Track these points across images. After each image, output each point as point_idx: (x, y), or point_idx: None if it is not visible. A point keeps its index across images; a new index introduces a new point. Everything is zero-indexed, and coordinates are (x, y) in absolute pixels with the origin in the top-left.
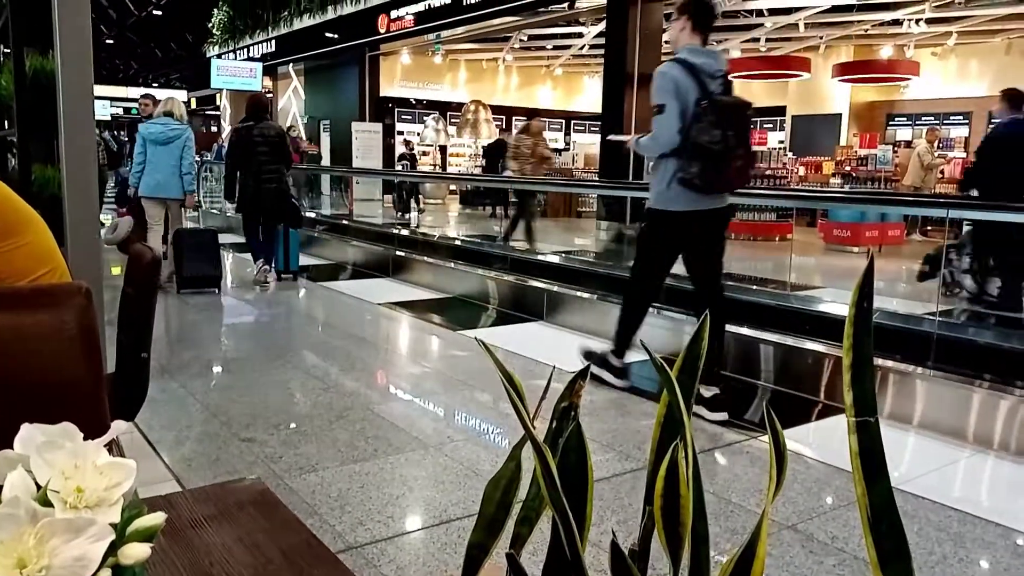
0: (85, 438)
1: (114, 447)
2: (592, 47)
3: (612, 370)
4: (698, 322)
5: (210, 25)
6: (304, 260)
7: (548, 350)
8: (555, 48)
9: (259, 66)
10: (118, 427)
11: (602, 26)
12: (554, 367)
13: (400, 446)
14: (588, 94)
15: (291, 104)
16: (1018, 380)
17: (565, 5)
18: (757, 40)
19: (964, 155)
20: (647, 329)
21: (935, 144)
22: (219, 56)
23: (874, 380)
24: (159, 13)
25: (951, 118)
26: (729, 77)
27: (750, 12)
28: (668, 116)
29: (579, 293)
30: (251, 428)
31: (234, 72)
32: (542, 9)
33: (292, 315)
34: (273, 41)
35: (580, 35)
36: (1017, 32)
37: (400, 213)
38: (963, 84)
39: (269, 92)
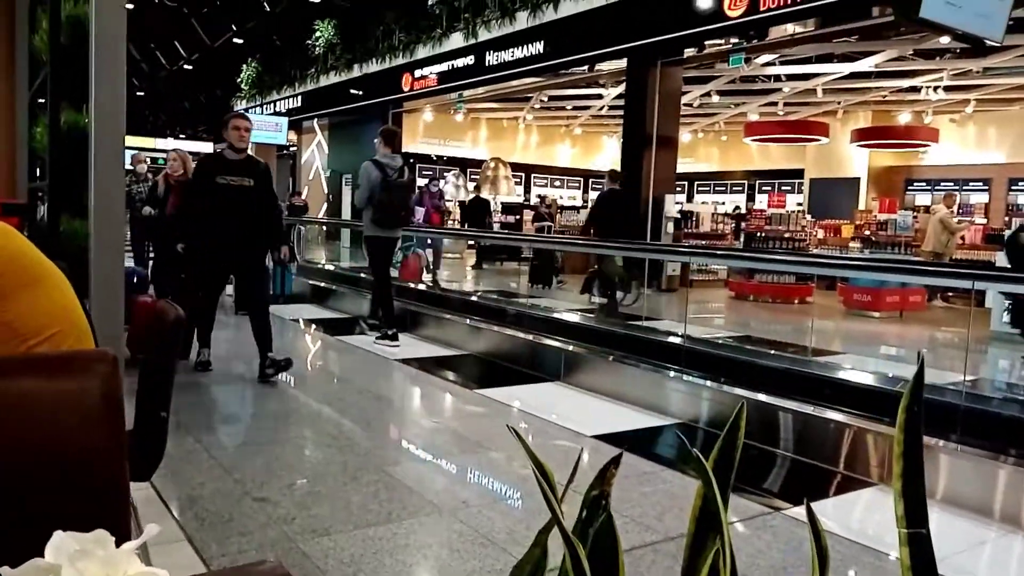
0: (107, 507)
1: (132, 511)
2: (611, 107)
3: (394, 338)
4: (734, 413)
5: (239, 80)
6: (324, 313)
7: (566, 412)
8: (575, 108)
9: (285, 120)
10: (150, 531)
11: (621, 88)
12: (582, 443)
13: (414, 510)
14: (607, 152)
15: (315, 158)
16: None
17: (586, 68)
18: (775, 104)
19: (985, 221)
20: (673, 395)
21: (953, 210)
22: (246, 110)
23: (924, 488)
24: (190, 67)
25: (970, 184)
26: (404, 169)
27: (768, 77)
28: (362, 189)
29: (599, 353)
30: (265, 487)
31: (260, 126)
32: (563, 71)
33: (309, 370)
34: (300, 96)
35: (600, 96)
36: None
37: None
38: (982, 151)
39: (293, 145)
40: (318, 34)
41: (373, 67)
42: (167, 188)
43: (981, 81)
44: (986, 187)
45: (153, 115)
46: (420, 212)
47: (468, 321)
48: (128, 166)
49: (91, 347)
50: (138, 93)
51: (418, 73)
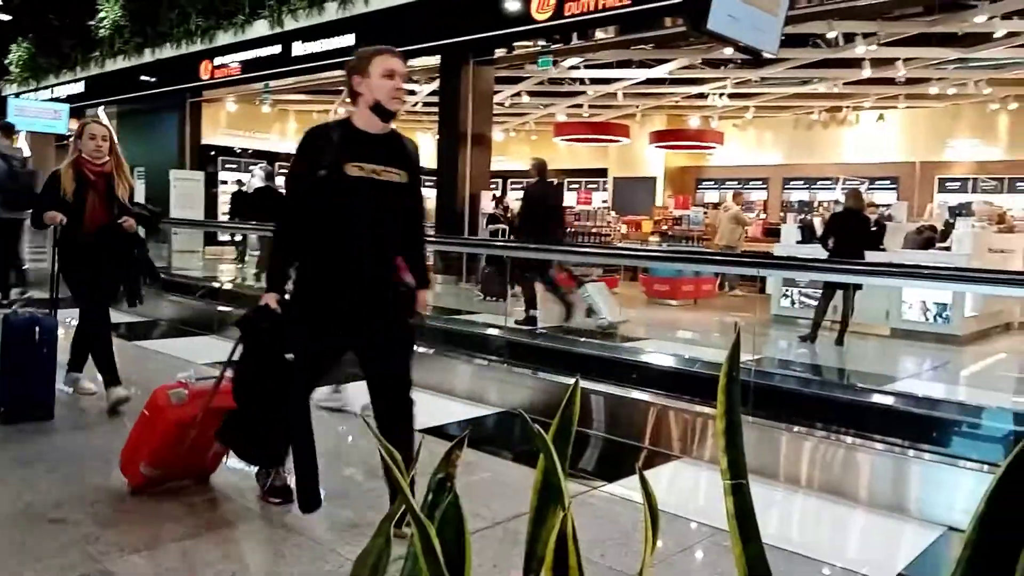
0: None
1: None
2: (425, 104)
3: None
4: (568, 391)
5: (7, 62)
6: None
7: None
8: None
9: (66, 107)
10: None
11: (435, 85)
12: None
13: (234, 518)
14: (422, 150)
15: None
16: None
17: None
18: (581, 106)
19: (764, 216)
20: (494, 385)
21: (741, 206)
22: (17, 95)
23: (743, 444)
24: None
25: (751, 183)
26: (27, 160)
27: (574, 80)
28: None
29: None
30: (62, 507)
31: (36, 113)
32: None
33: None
34: (82, 82)
35: (413, 92)
36: (803, 109)
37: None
38: (761, 153)
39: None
40: (103, 14)
41: (168, 52)
42: (80, 183)
43: (759, 90)
44: (765, 185)
45: None
46: None
47: None
48: None
49: None
50: None
51: (218, 61)
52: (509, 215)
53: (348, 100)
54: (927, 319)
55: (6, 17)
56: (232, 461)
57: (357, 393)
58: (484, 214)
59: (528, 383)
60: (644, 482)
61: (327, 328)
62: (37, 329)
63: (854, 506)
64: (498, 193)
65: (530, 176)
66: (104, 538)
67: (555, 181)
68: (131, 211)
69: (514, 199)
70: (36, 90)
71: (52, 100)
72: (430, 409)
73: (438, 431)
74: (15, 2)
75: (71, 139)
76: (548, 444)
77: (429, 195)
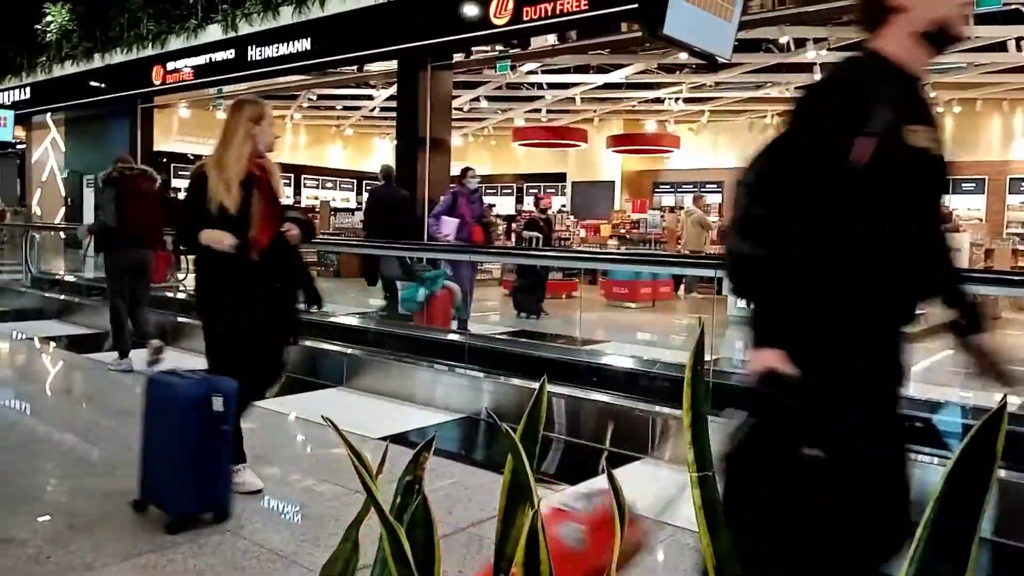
0: None
1: None
2: (383, 109)
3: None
4: (536, 391)
5: None
6: (66, 329)
7: (350, 416)
8: (345, 108)
9: (11, 114)
10: None
11: (392, 90)
12: (369, 446)
13: (192, 533)
14: (380, 154)
15: (48, 156)
16: None
17: (355, 68)
18: (539, 111)
19: (718, 219)
20: (456, 390)
21: (703, 209)
22: None
23: (708, 437)
24: None
25: (707, 186)
26: None
27: (532, 85)
28: None
29: (380, 357)
30: (8, 526)
31: None
32: (331, 70)
33: (52, 391)
34: (28, 88)
35: (371, 97)
36: (757, 113)
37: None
38: (716, 156)
39: (21, 143)
40: (50, 18)
41: (118, 57)
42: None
43: (714, 94)
44: (720, 189)
45: None
46: (448, 224)
47: None
48: None
49: None
50: None
51: (171, 66)
52: (548, 221)
53: (868, 24)
54: None
55: None
56: None
57: None
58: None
59: (487, 387)
60: (611, 478)
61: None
62: (217, 400)
63: None
64: (541, 195)
65: (378, 180)
66: (56, 558)
67: (404, 192)
68: (291, 216)
69: (559, 205)
70: None
71: None
72: (392, 416)
73: (399, 438)
74: None
75: (242, 133)
76: (516, 443)
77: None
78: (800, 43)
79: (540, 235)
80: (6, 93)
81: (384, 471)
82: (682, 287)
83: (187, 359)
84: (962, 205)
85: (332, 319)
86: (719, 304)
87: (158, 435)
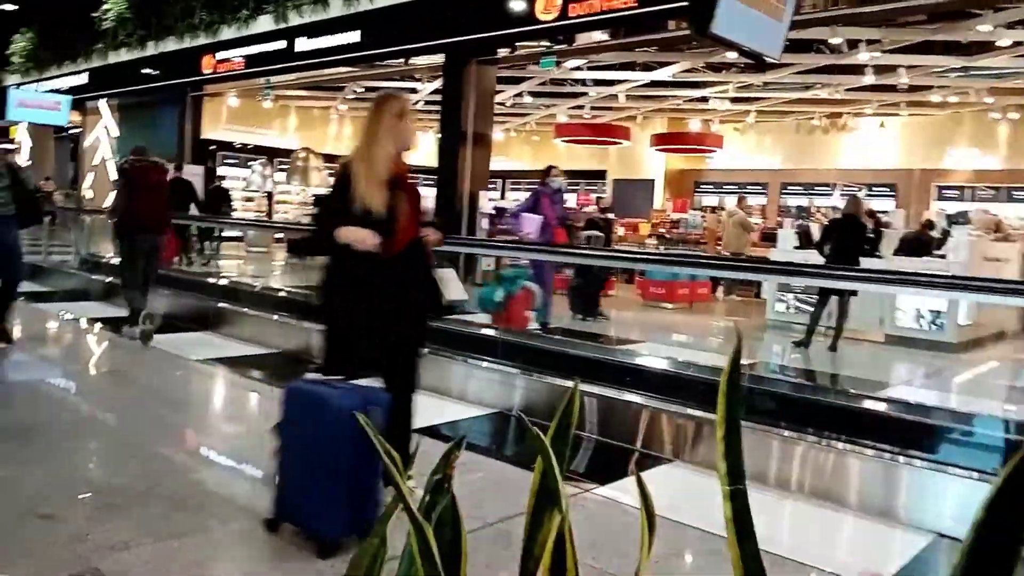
0: None
1: None
2: (427, 103)
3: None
4: (568, 394)
5: (9, 52)
6: (112, 311)
7: None
8: None
9: (67, 99)
10: None
11: (438, 83)
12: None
13: (224, 518)
14: (423, 148)
15: (101, 141)
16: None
17: (401, 60)
18: (582, 107)
19: (762, 221)
20: (488, 385)
21: (746, 211)
22: (19, 86)
23: (741, 450)
24: None
25: (749, 187)
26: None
27: (576, 81)
28: None
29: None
30: (50, 503)
31: (37, 104)
32: (378, 63)
33: (97, 373)
34: (85, 73)
35: (415, 91)
36: (805, 114)
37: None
38: (760, 157)
39: (76, 127)
40: (107, 6)
41: (170, 46)
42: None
43: (761, 94)
44: (764, 190)
45: None
46: (531, 221)
47: (276, 316)
48: None
49: None
50: None
51: (221, 55)
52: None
53: None
54: (921, 326)
55: (11, 7)
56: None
57: None
58: (483, 213)
59: (519, 383)
60: (642, 486)
61: None
62: (374, 412)
63: (844, 511)
64: (605, 196)
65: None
66: (94, 536)
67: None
68: (428, 220)
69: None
70: (38, 81)
71: (54, 92)
72: (425, 409)
73: (430, 431)
74: None
75: (388, 128)
76: (546, 446)
77: (428, 194)
78: (852, 44)
79: (601, 234)
80: (65, 79)
81: (415, 464)
82: (720, 288)
83: (229, 344)
84: (1013, 214)
85: None
86: (757, 307)
87: (303, 450)
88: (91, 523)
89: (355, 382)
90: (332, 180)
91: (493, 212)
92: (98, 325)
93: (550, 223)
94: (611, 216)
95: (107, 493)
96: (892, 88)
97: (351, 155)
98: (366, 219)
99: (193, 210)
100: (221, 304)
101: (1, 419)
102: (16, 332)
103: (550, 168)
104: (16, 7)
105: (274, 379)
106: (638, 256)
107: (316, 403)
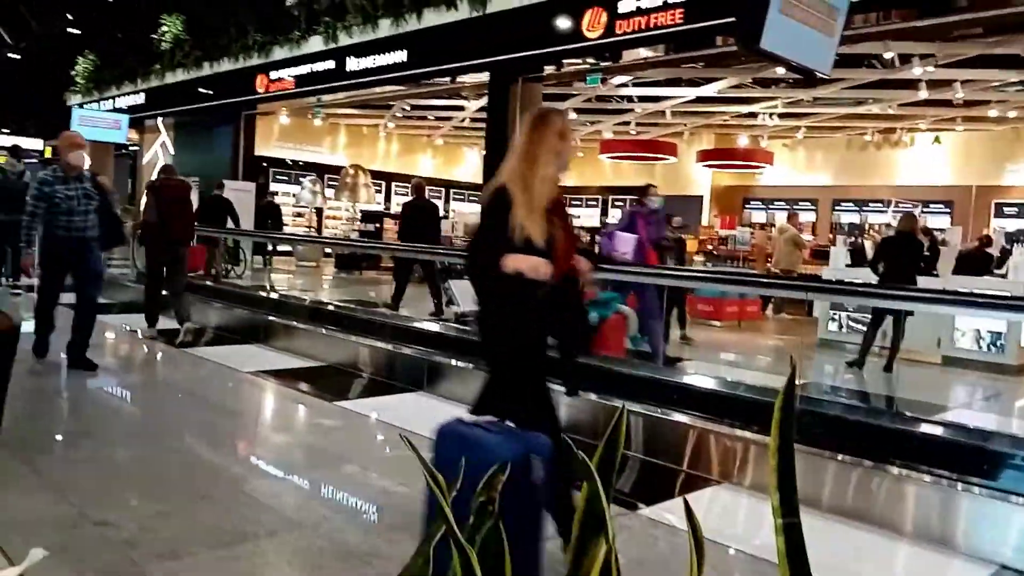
0: None
1: None
2: (473, 120)
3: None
4: (615, 418)
5: (73, 73)
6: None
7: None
8: (436, 119)
9: (126, 118)
10: (34, 556)
11: (483, 101)
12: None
13: (272, 528)
14: (468, 164)
15: (158, 158)
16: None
17: (448, 79)
18: (628, 123)
19: (812, 238)
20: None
21: (797, 227)
22: (81, 105)
23: (795, 482)
24: (17, 57)
25: (799, 204)
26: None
27: (622, 98)
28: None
29: (457, 362)
30: (104, 509)
31: (97, 122)
32: (425, 81)
33: (151, 383)
34: (143, 93)
35: (462, 108)
36: (856, 130)
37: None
38: (810, 173)
39: (134, 145)
40: (165, 28)
41: (225, 66)
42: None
43: (811, 110)
44: (814, 207)
45: None
46: (625, 241)
47: (324, 330)
48: None
49: None
50: None
51: (274, 75)
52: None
53: None
54: (980, 348)
55: (76, 31)
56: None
57: None
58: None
59: (562, 401)
60: (690, 512)
61: None
62: (536, 463)
63: (900, 539)
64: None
65: (414, 192)
66: (145, 544)
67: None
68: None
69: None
70: (99, 100)
71: (114, 111)
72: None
73: None
74: (85, 17)
75: (549, 150)
76: (593, 472)
77: (474, 210)
78: (905, 59)
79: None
80: (124, 98)
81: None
82: (770, 307)
83: (279, 356)
84: None
85: (414, 324)
86: (808, 326)
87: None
88: (143, 531)
89: (511, 424)
90: (482, 206)
91: None
92: (153, 336)
93: (643, 243)
94: (683, 236)
95: (158, 501)
96: (947, 103)
97: (505, 178)
98: (524, 248)
99: (230, 224)
100: (271, 317)
101: (57, 426)
102: None
103: (648, 187)
104: (80, 32)
105: (323, 392)
106: (693, 275)
107: (473, 449)
